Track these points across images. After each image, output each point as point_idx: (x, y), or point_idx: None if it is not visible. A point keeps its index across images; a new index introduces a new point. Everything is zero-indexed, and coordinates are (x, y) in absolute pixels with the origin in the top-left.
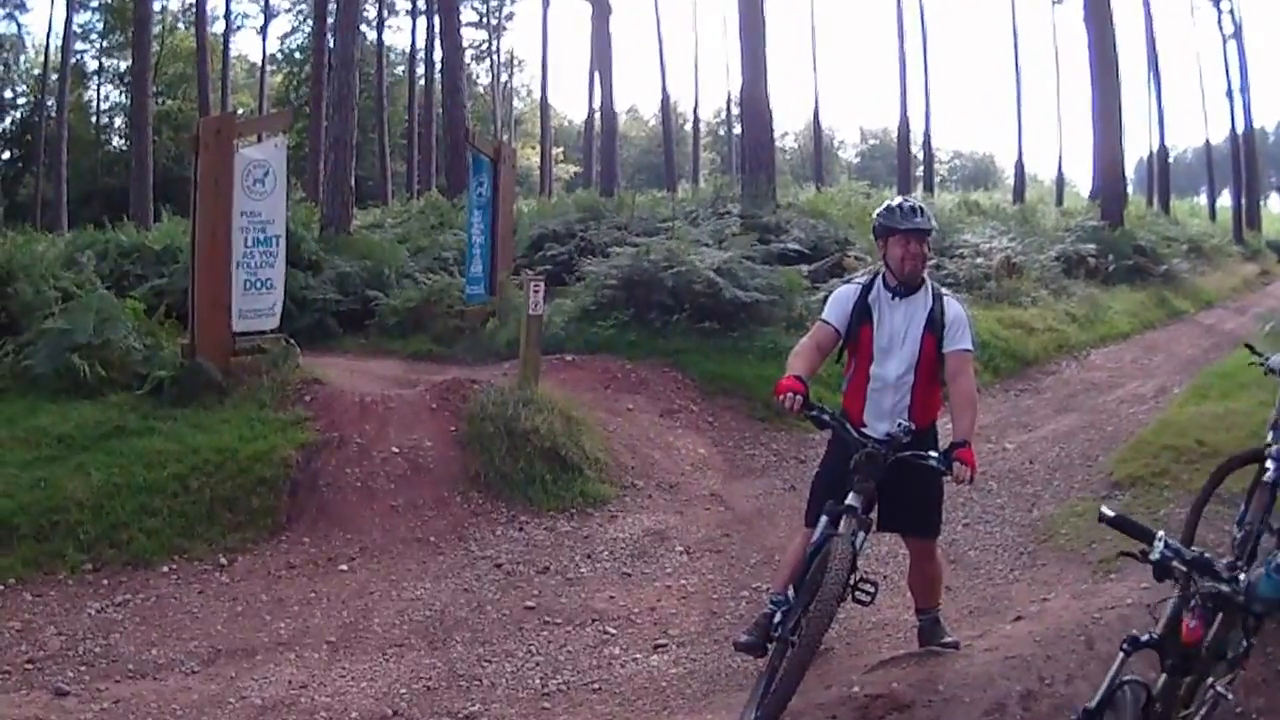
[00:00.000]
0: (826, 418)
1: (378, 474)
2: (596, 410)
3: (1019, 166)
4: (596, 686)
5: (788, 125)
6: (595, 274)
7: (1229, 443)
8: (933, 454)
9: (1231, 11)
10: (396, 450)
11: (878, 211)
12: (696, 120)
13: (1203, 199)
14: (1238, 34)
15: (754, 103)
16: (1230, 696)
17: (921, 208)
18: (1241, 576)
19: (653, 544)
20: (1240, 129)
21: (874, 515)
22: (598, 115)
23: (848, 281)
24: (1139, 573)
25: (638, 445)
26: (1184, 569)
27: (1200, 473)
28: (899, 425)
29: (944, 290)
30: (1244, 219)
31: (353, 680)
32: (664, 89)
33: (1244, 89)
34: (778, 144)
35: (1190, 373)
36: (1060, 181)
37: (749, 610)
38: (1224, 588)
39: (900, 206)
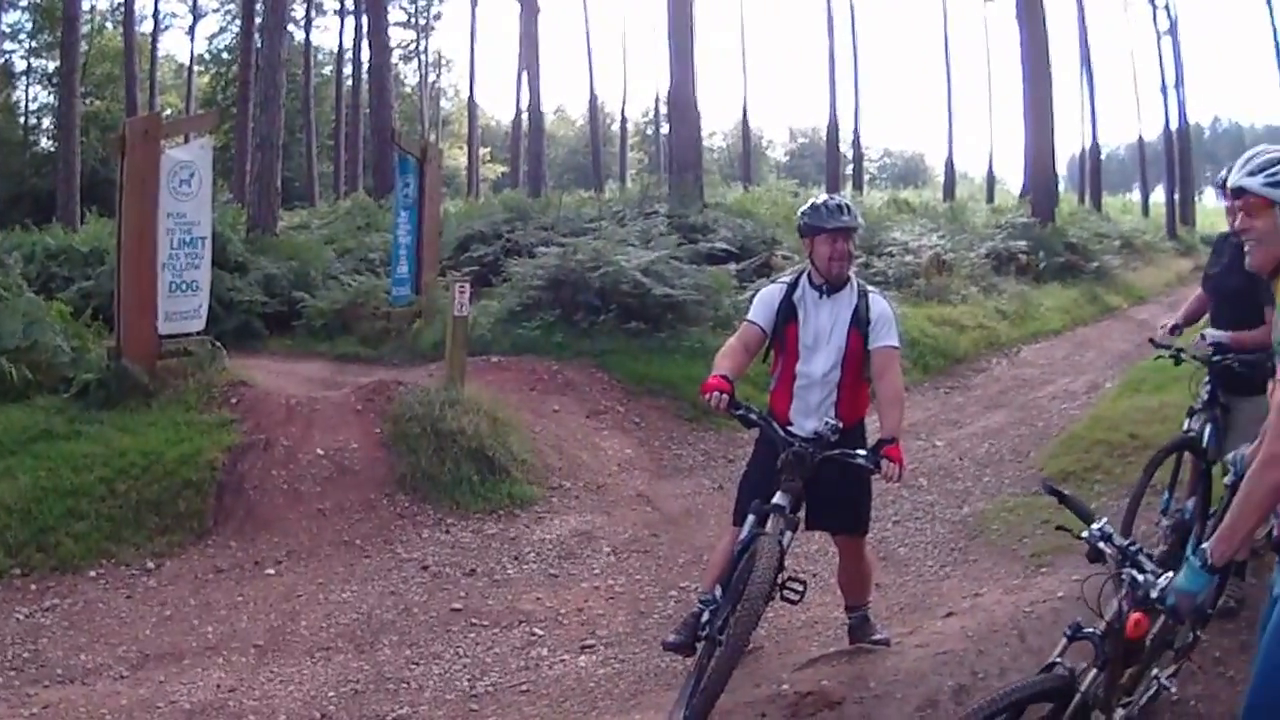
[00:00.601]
0: (753, 417)
1: (304, 476)
2: (523, 411)
3: (949, 164)
4: (524, 688)
5: (716, 125)
6: (521, 275)
7: (1163, 435)
8: (860, 452)
9: (1167, 7)
10: (322, 453)
11: (802, 210)
12: (624, 120)
13: (1136, 195)
14: (1173, 30)
15: (682, 103)
16: (1173, 689)
17: (847, 205)
18: (1163, 580)
19: (580, 545)
20: (1174, 125)
21: (802, 514)
22: (525, 115)
23: (773, 281)
24: (1071, 566)
25: (564, 446)
26: (1114, 554)
27: (1134, 466)
28: (826, 424)
29: (869, 287)
30: (1178, 215)
31: (280, 684)
32: (591, 89)
33: (1178, 85)
34: (706, 144)
35: (1122, 368)
36: (991, 179)
37: (677, 610)
38: (1140, 578)
39: (826, 204)
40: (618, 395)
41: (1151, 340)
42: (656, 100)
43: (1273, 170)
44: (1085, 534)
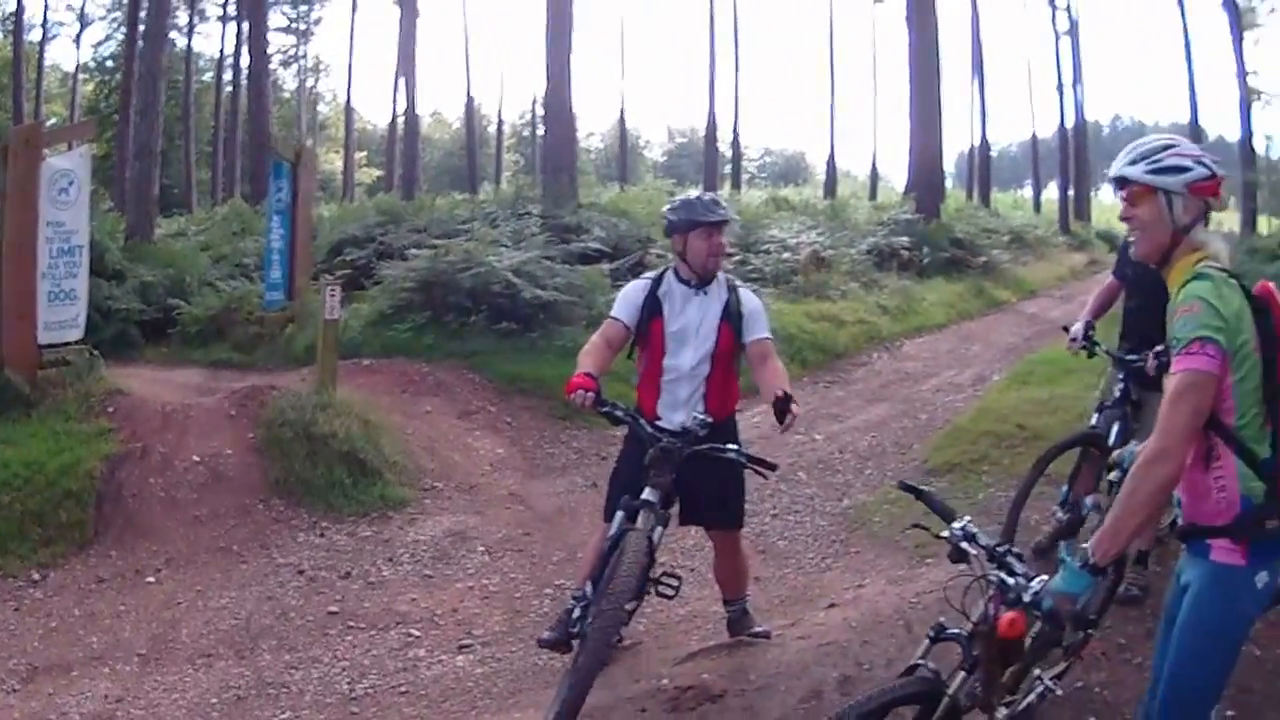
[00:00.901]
0: (619, 413)
1: (180, 484)
2: (394, 414)
3: (830, 162)
4: (403, 689)
5: (594, 126)
6: (392, 277)
7: (1053, 426)
8: (731, 447)
9: (1068, 8)
10: (198, 459)
11: (671, 207)
12: (500, 122)
13: (1029, 192)
14: (1073, 31)
15: (557, 104)
16: (1059, 691)
17: (718, 199)
18: (1037, 582)
19: (453, 545)
20: (1071, 123)
21: (675, 509)
22: (402, 119)
23: (637, 278)
24: (960, 577)
25: (436, 447)
26: (979, 555)
27: (1022, 456)
28: (695, 419)
29: (737, 281)
30: (1071, 210)
31: (165, 692)
32: (468, 91)
33: (1076, 84)
34: (584, 145)
35: (1010, 360)
36: (874, 176)
37: (553, 608)
38: (1010, 580)
39: (701, 199)
40: (489, 395)
41: (1071, 339)
42: (534, 102)
43: (1155, 158)
44: (946, 533)
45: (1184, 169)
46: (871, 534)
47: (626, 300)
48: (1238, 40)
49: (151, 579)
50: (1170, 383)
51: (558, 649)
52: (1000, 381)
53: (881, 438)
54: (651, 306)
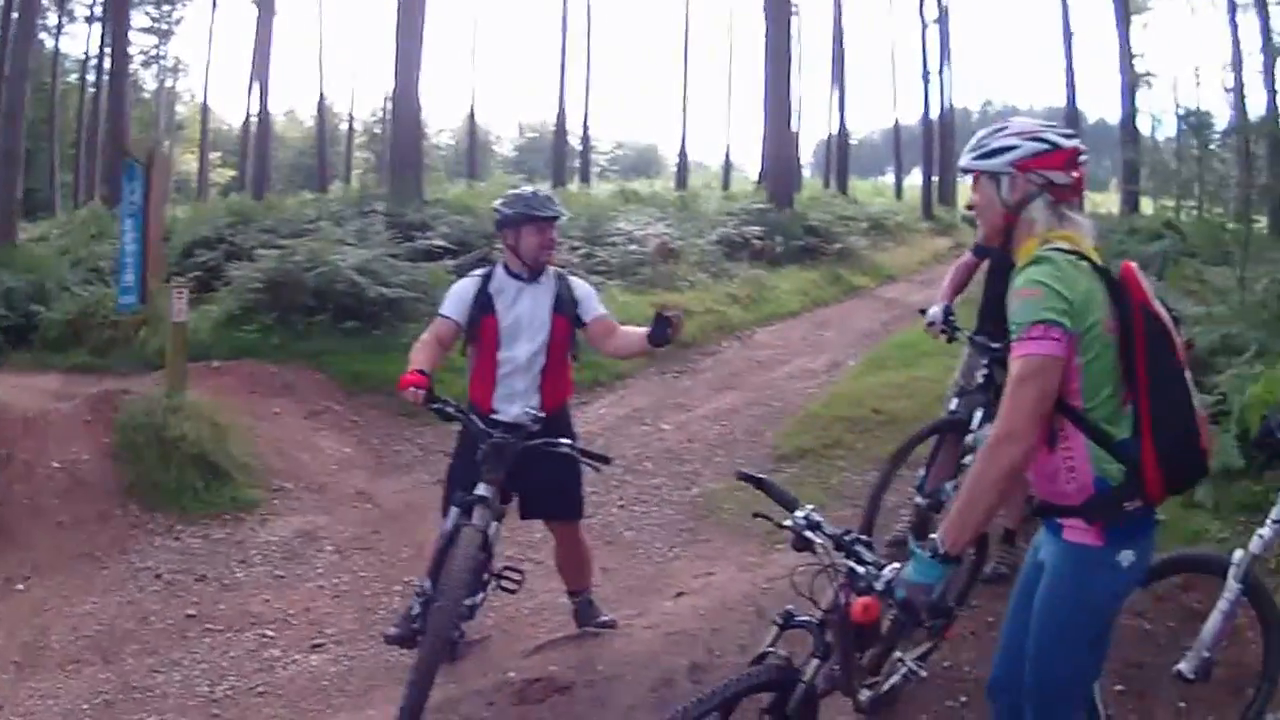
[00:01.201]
0: (450, 409)
1: (43, 490)
2: (244, 415)
3: (682, 153)
4: (261, 690)
5: (445, 122)
6: (240, 278)
7: (909, 410)
8: (564, 441)
9: None
10: (59, 465)
11: (503, 202)
12: (351, 120)
13: (889, 178)
14: (943, 17)
15: (405, 101)
16: (924, 673)
17: (550, 196)
18: (888, 570)
19: (303, 545)
20: (936, 110)
21: (515, 503)
22: (256, 118)
23: (464, 275)
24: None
25: (285, 448)
26: (825, 543)
27: (877, 440)
28: (527, 413)
29: (565, 271)
30: (935, 196)
31: (40, 699)
32: (321, 89)
33: (943, 70)
34: (434, 142)
35: (866, 346)
36: (728, 167)
37: (402, 604)
38: (859, 569)
39: (535, 194)
40: (335, 394)
41: (930, 322)
42: (385, 99)
43: (982, 142)
44: (789, 522)
45: (1009, 148)
46: (721, 522)
47: (456, 297)
48: (1120, 22)
49: (20, 586)
50: (1013, 367)
51: (404, 644)
52: (855, 366)
53: (732, 426)
54: (483, 303)
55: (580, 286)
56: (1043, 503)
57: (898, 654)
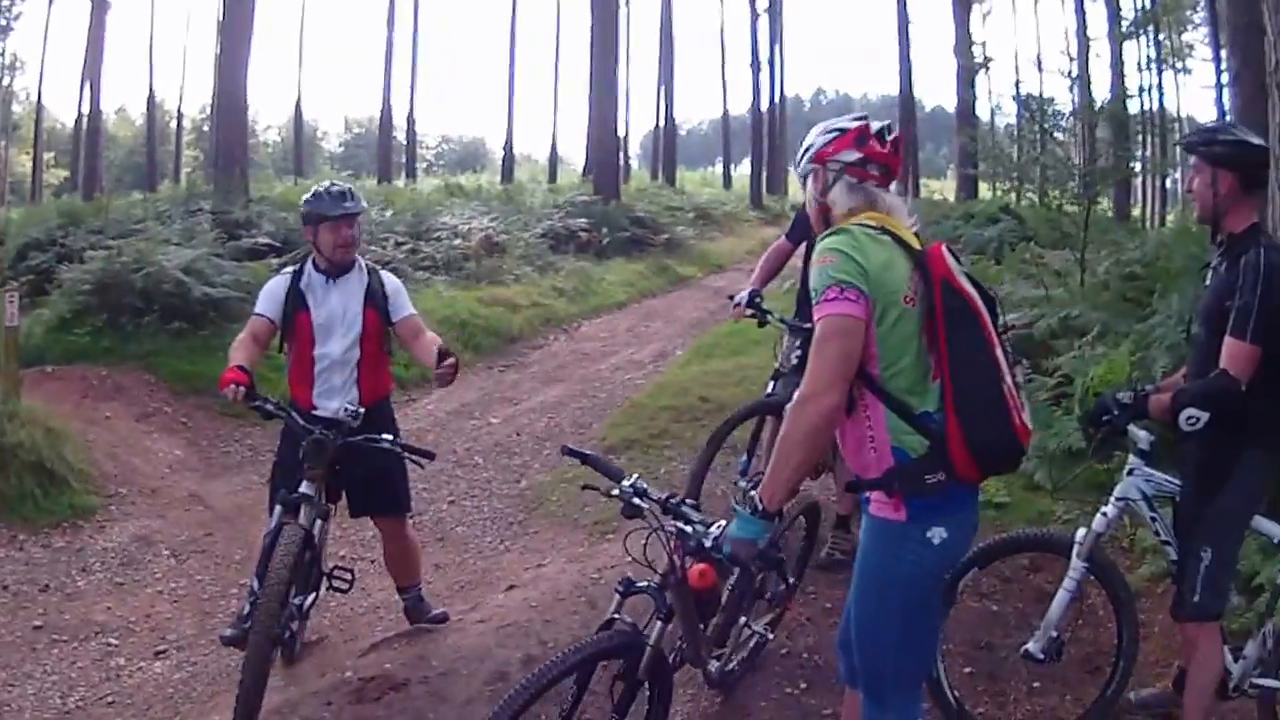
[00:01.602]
0: (270, 407)
1: None
2: (77, 420)
3: (508, 147)
4: (110, 699)
5: (272, 119)
6: (71, 281)
7: (737, 397)
8: (386, 436)
9: None
10: None
11: (305, 198)
12: (180, 117)
13: (718, 168)
14: (774, 7)
15: (231, 97)
16: (771, 635)
17: (350, 191)
18: (715, 528)
19: (140, 550)
20: (766, 100)
21: (343, 501)
22: (86, 119)
23: (277, 272)
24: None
25: (118, 452)
26: (653, 508)
27: (704, 429)
28: (346, 409)
29: (376, 265)
30: (764, 185)
31: None
32: (151, 87)
33: (772, 61)
34: (262, 139)
35: (693, 335)
36: (554, 159)
37: (238, 607)
38: (688, 529)
39: (329, 191)
40: (165, 397)
41: (736, 304)
42: (213, 96)
43: (803, 151)
44: (616, 490)
45: (809, 147)
46: (549, 514)
47: (269, 295)
48: (958, 8)
49: None
50: (816, 330)
51: (239, 646)
52: (682, 356)
53: (559, 418)
54: (295, 300)
55: (391, 282)
56: (854, 477)
57: (743, 620)
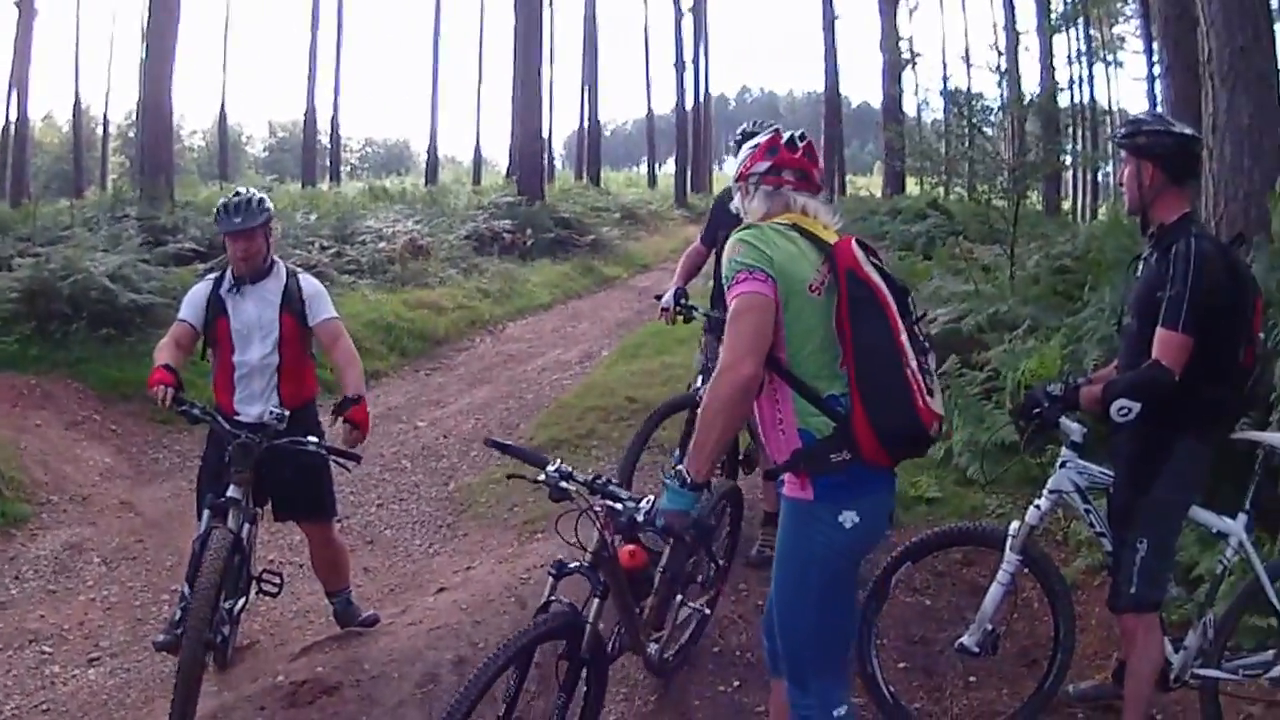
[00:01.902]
0: (196, 411)
1: None
2: (7, 429)
3: (432, 149)
4: (45, 708)
5: (197, 124)
6: None
7: (663, 396)
8: (311, 439)
9: None
10: None
11: (215, 209)
12: (106, 123)
13: (644, 168)
14: (699, 6)
15: (155, 103)
16: (709, 611)
17: (250, 202)
18: (645, 503)
19: (71, 558)
20: (691, 99)
21: (269, 505)
22: (13, 125)
23: (201, 278)
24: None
25: (49, 460)
26: (580, 490)
27: (631, 428)
28: (271, 413)
29: (297, 268)
30: (689, 184)
31: None
32: (77, 93)
33: (697, 60)
34: (187, 144)
35: (621, 335)
36: (478, 161)
37: (170, 612)
38: (617, 506)
39: (227, 206)
40: (94, 404)
41: (663, 308)
42: (138, 102)
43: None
44: (542, 476)
45: (736, 169)
46: (478, 515)
47: (191, 302)
48: (882, 5)
49: None
50: (730, 309)
51: (171, 651)
52: (609, 356)
53: (486, 420)
54: (215, 306)
55: (309, 286)
56: (773, 464)
57: (679, 599)
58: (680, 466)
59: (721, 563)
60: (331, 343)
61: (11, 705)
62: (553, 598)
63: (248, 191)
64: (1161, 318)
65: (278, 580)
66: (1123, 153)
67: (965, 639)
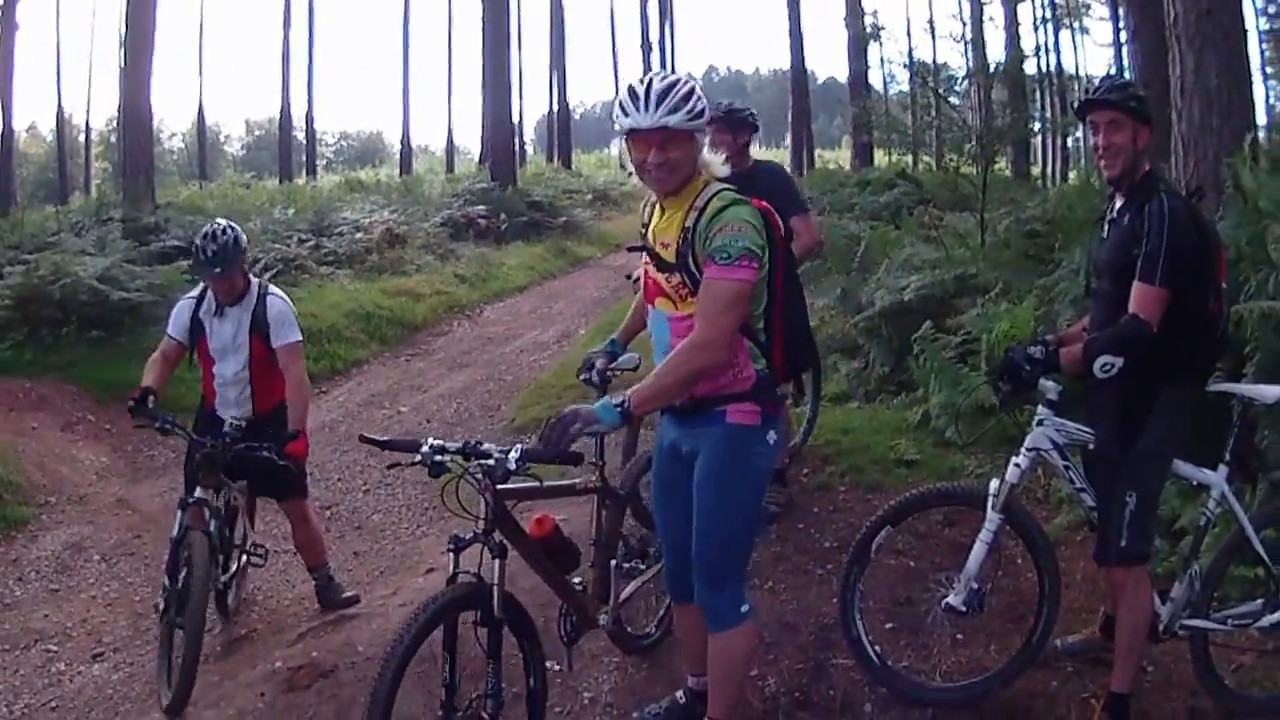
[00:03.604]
0: (168, 425)
1: None
2: (4, 433)
3: (405, 139)
4: (53, 704)
5: (176, 126)
6: None
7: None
8: (266, 446)
9: None
10: None
11: (194, 247)
12: (88, 130)
13: (614, 149)
14: None
15: (134, 107)
16: (651, 571)
17: (224, 247)
18: (515, 450)
19: (72, 557)
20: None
21: (225, 500)
22: None
23: (185, 295)
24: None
25: (45, 462)
26: (455, 457)
27: None
28: (232, 423)
29: (269, 288)
30: None
31: None
32: (59, 102)
33: (663, 40)
34: (166, 145)
35: (596, 314)
36: (451, 149)
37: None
38: (489, 462)
39: (205, 256)
40: (88, 405)
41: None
42: (119, 107)
43: (689, 105)
44: (419, 456)
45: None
46: (463, 497)
47: (176, 318)
48: None
49: None
50: (722, 288)
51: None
52: (585, 335)
53: (467, 402)
54: (196, 325)
55: (274, 308)
56: (703, 398)
57: (614, 563)
58: (629, 393)
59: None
60: (286, 366)
61: (21, 704)
62: (458, 570)
63: (222, 232)
64: (1139, 273)
65: (263, 552)
66: (1108, 115)
67: (952, 599)
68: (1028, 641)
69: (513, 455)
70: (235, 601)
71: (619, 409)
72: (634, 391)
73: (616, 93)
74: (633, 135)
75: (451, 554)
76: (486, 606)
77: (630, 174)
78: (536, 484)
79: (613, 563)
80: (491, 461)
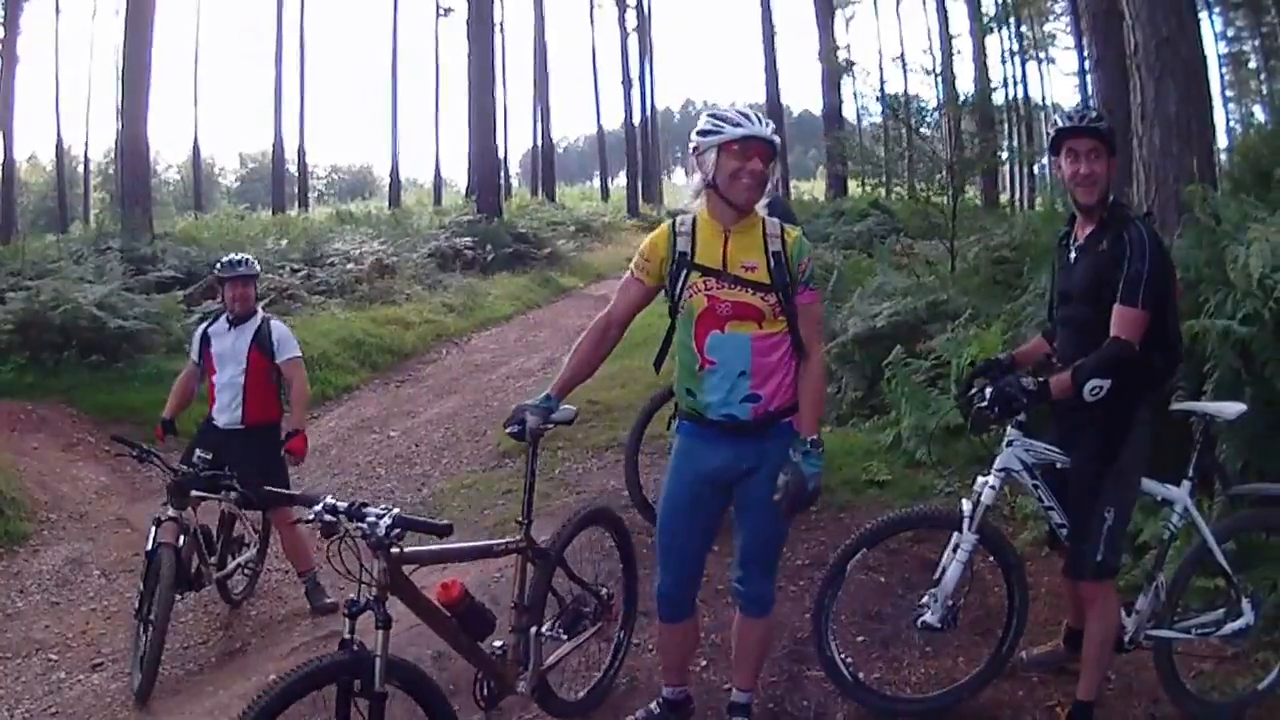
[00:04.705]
0: (145, 454)
1: None
2: (7, 452)
3: (394, 172)
4: (54, 711)
5: (171, 158)
6: None
7: (623, 398)
8: (229, 476)
9: (639, 6)
10: None
11: (216, 267)
12: (87, 160)
13: (597, 182)
14: (642, 26)
15: (133, 140)
16: (566, 636)
17: (246, 260)
18: (387, 516)
19: (73, 572)
20: (638, 114)
21: (195, 518)
22: (0, 167)
23: (196, 305)
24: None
25: (47, 481)
26: (343, 519)
27: (594, 430)
28: (198, 456)
29: (271, 316)
30: (640, 194)
31: None
32: (58, 133)
33: (643, 76)
34: (163, 177)
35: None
36: (438, 182)
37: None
38: (365, 525)
39: (228, 261)
40: (88, 426)
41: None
42: (117, 140)
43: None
44: (311, 515)
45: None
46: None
47: (192, 342)
48: (821, 15)
49: None
50: (819, 312)
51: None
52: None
53: (455, 428)
54: (204, 341)
55: (277, 330)
56: (776, 410)
57: (535, 630)
58: (805, 435)
59: (605, 592)
60: (291, 378)
61: (22, 710)
62: (349, 636)
63: (242, 258)
64: (1121, 296)
65: (249, 540)
66: (1087, 144)
67: (928, 616)
68: (996, 651)
69: (384, 522)
70: (246, 590)
71: (813, 450)
72: (804, 424)
73: (599, 128)
74: (745, 143)
75: (347, 618)
76: (368, 678)
77: (696, 193)
78: (446, 546)
79: (533, 630)
80: (366, 525)
